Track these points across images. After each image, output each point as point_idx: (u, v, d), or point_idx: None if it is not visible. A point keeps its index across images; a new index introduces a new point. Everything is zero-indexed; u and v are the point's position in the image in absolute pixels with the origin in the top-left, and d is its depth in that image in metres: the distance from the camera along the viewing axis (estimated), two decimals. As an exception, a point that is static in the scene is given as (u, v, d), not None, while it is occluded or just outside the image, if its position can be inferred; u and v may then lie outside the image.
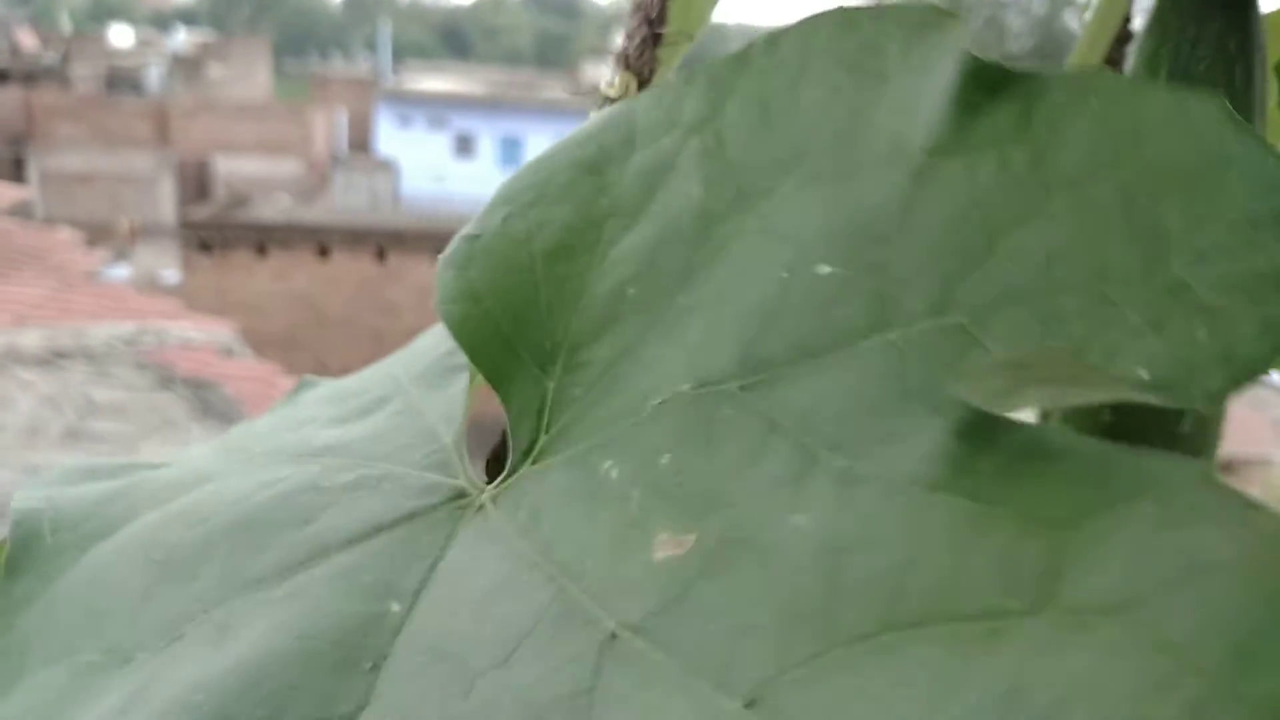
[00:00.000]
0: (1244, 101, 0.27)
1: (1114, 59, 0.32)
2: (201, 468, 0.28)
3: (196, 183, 11.48)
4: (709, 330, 0.19)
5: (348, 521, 0.23)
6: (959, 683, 0.11)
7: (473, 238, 0.25)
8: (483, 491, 0.23)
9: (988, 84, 0.17)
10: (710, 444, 0.17)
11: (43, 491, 0.28)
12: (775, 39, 0.23)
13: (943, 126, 0.18)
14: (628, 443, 0.19)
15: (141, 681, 0.22)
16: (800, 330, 0.17)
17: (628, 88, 0.29)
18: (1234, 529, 0.10)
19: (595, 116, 0.27)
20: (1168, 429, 0.27)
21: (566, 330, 0.22)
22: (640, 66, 0.28)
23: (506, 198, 0.25)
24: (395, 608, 0.20)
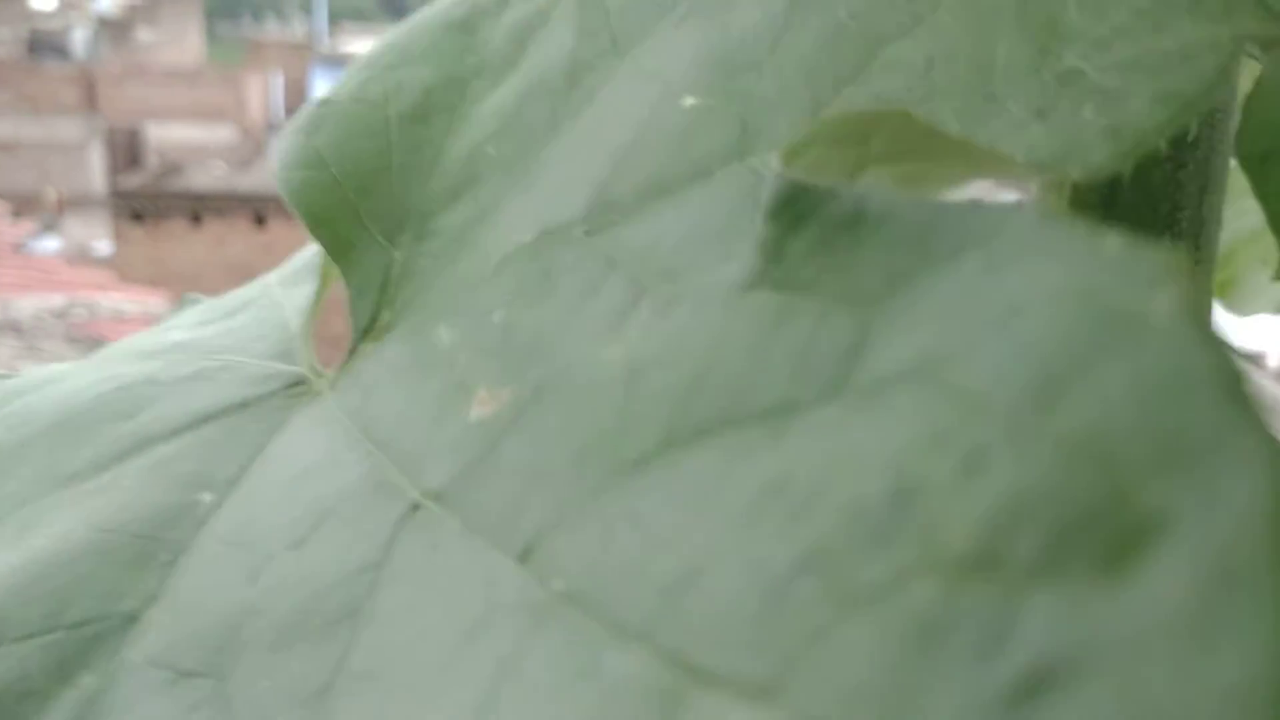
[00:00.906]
0: None
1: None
2: (50, 375, 0.26)
3: (127, 151, 11.18)
4: (564, 179, 0.17)
5: (175, 413, 0.21)
6: (719, 491, 0.09)
7: (326, 101, 0.22)
8: (322, 377, 0.20)
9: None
10: (544, 293, 0.15)
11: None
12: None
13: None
14: (465, 305, 0.17)
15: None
16: (656, 166, 0.15)
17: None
18: (1068, 259, 0.08)
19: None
20: None
21: (420, 196, 0.20)
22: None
23: (368, 61, 0.23)
24: (207, 498, 0.18)
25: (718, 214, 0.13)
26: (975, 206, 0.09)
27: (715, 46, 0.16)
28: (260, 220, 9.04)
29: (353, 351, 0.19)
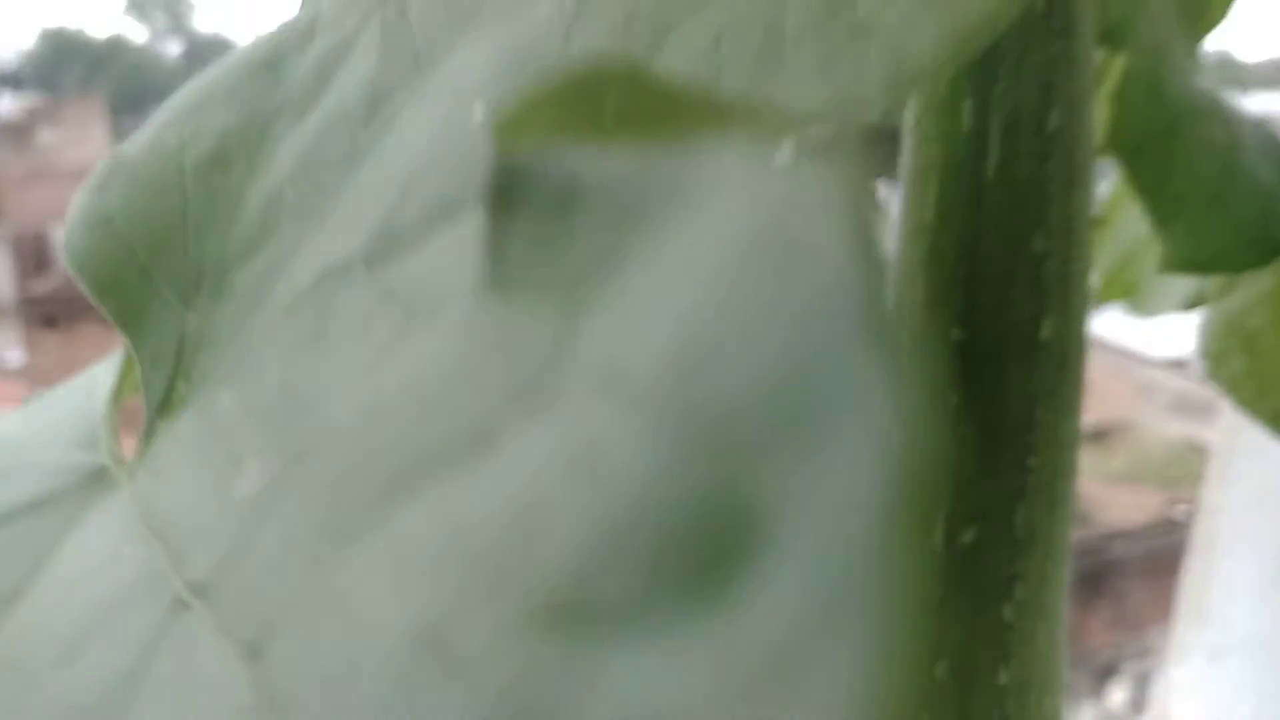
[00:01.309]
0: None
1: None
2: None
3: (35, 256, 10.98)
4: (352, 214, 0.15)
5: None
6: (411, 553, 0.07)
7: (118, 157, 0.20)
8: (122, 465, 0.18)
9: None
10: (319, 339, 0.13)
11: None
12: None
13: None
14: (247, 365, 0.15)
15: None
16: (441, 187, 0.13)
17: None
18: (747, 202, 0.06)
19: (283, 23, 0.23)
20: (1025, 337, 0.24)
21: (218, 252, 0.18)
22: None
23: (168, 108, 0.21)
24: (-17, 617, 0.16)
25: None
26: (690, 159, 0.07)
27: (507, 49, 0.14)
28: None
29: (148, 433, 0.17)
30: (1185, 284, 0.34)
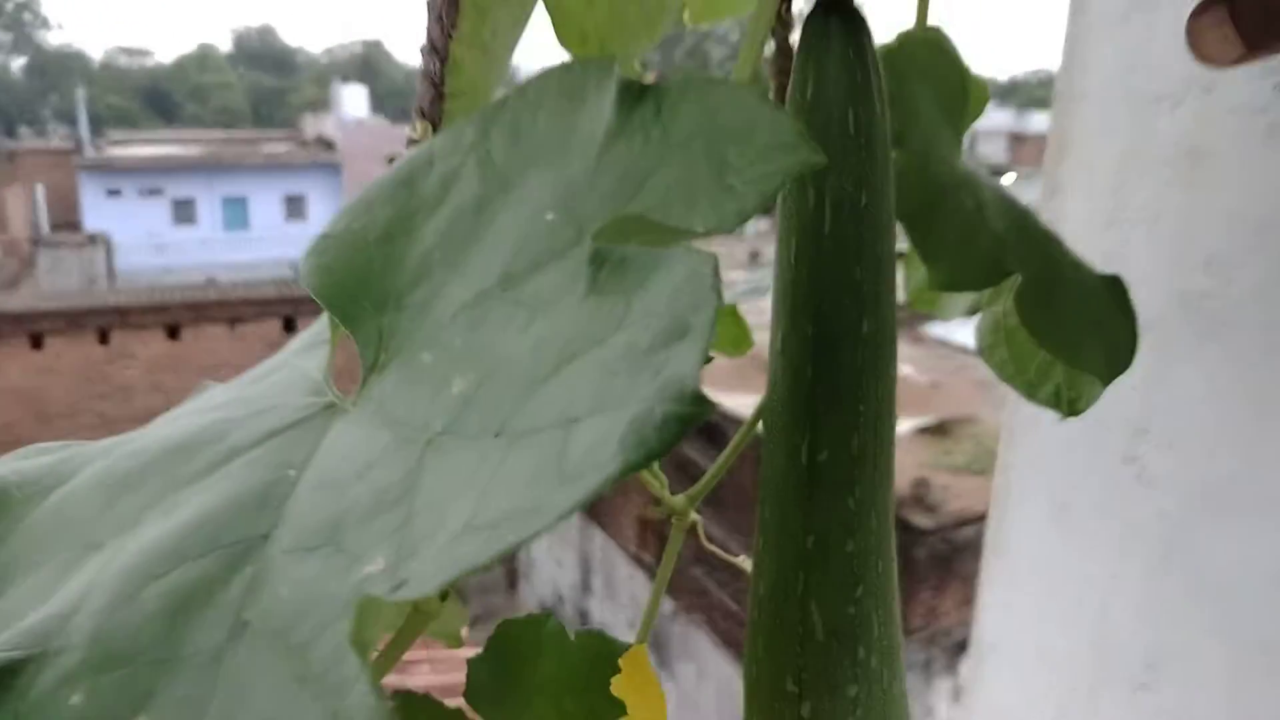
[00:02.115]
0: (858, 106, 0.39)
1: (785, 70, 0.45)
2: (129, 436, 0.38)
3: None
4: (484, 265, 0.30)
5: (252, 434, 0.33)
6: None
7: (326, 235, 0.35)
8: (345, 400, 0.33)
9: (635, 93, 0.29)
10: (482, 326, 0.28)
11: (5, 465, 0.37)
12: (524, 87, 0.34)
13: (612, 121, 0.29)
14: (436, 341, 0.30)
15: (113, 552, 0.31)
16: (535, 252, 0.28)
17: (426, 131, 0.40)
18: (671, 274, 0.21)
19: (407, 152, 0.38)
20: (852, 330, 0.39)
21: (394, 286, 0.33)
22: (433, 116, 0.39)
23: (347, 209, 0.36)
24: (292, 473, 0.30)
25: (566, 271, 0.26)
26: (677, 252, 0.22)
27: (561, 185, 0.30)
28: (36, 341, 8.66)
29: (364, 382, 0.32)
30: (967, 297, 0.50)
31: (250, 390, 0.38)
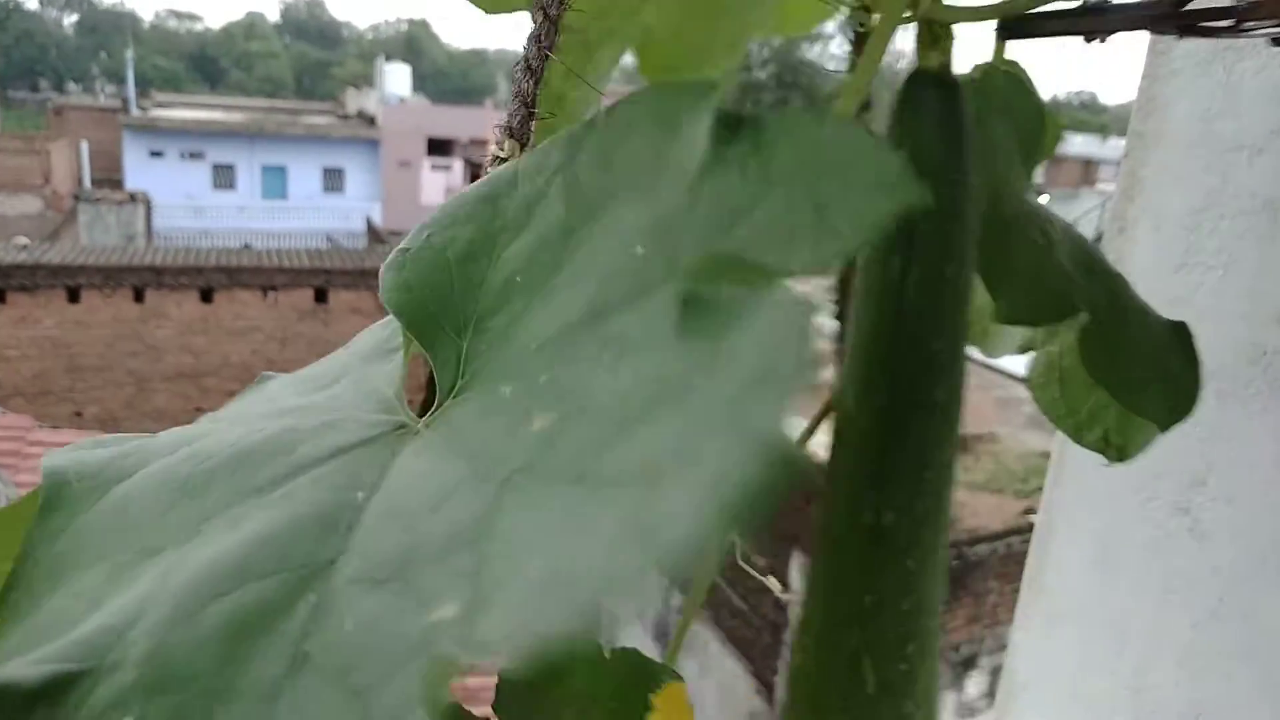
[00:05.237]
0: (948, 152, 0.39)
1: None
2: (190, 433, 0.37)
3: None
4: (569, 296, 0.29)
5: (320, 449, 0.33)
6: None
7: (405, 250, 0.35)
8: (418, 422, 0.32)
9: (732, 124, 0.28)
10: (569, 361, 0.27)
11: (65, 455, 0.37)
12: (612, 109, 0.33)
13: (706, 154, 0.28)
14: (517, 373, 0.29)
15: (171, 563, 0.30)
16: (624, 287, 0.28)
17: (514, 150, 0.39)
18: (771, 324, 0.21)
19: (491, 170, 0.37)
20: (926, 401, 0.38)
21: (475, 308, 0.32)
22: (521, 135, 0.39)
23: (429, 223, 0.35)
24: (360, 495, 0.30)
25: (655, 310, 0.26)
26: (772, 296, 0.21)
27: (651, 217, 0.29)
28: (73, 294, 8.75)
29: (440, 405, 0.32)
30: (1019, 333, 0.49)
31: (318, 397, 0.38)
